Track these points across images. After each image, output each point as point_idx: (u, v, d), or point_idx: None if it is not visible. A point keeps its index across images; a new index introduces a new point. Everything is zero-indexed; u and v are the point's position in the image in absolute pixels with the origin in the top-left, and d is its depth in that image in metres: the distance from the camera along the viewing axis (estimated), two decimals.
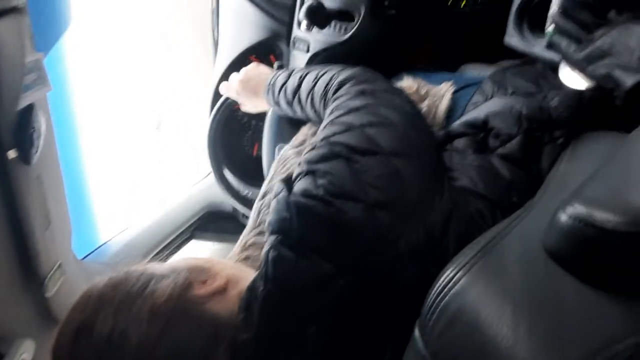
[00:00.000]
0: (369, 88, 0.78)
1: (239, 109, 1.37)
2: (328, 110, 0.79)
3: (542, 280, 0.41)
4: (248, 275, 0.68)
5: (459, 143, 0.71)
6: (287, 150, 0.92)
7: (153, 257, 1.28)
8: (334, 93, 0.83)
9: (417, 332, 0.45)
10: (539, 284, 0.41)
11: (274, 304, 0.58)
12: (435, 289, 0.45)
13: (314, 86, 0.89)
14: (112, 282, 0.61)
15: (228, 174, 1.40)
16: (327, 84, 0.86)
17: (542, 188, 0.58)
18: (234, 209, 1.59)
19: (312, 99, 0.89)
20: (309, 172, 0.64)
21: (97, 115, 1.40)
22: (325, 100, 0.86)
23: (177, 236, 1.38)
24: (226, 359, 0.57)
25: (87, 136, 1.31)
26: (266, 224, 0.66)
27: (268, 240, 0.62)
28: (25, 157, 0.71)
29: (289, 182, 0.68)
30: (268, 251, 0.61)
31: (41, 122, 0.75)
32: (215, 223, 1.53)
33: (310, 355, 0.57)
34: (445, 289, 0.44)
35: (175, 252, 1.37)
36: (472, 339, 0.40)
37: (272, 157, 1.22)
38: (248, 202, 1.40)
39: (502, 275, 0.42)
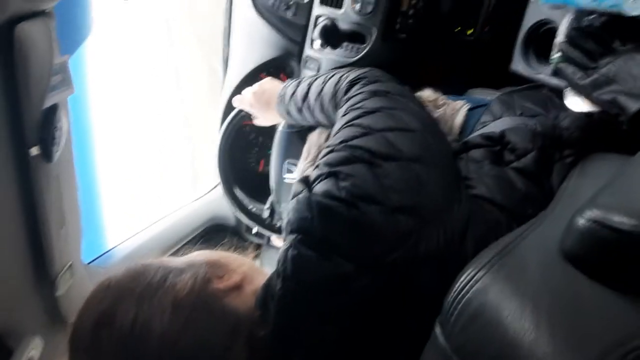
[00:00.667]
0: (382, 89, 0.79)
1: (247, 125, 1.40)
2: (341, 111, 0.79)
3: (560, 282, 0.43)
4: (262, 273, 0.69)
5: (476, 153, 0.73)
6: (303, 165, 0.93)
7: None
8: (345, 93, 0.83)
9: (438, 329, 0.47)
10: (558, 285, 0.43)
11: (291, 302, 0.59)
12: (456, 287, 0.47)
13: (322, 88, 0.89)
14: (130, 273, 0.61)
15: (236, 188, 1.42)
16: (336, 84, 0.86)
17: (554, 201, 0.60)
18: (237, 223, 1.60)
19: (321, 101, 0.89)
20: (330, 174, 0.64)
21: (111, 122, 1.42)
22: (335, 100, 0.86)
23: (182, 246, 1.38)
24: (245, 353, 0.57)
25: (100, 141, 1.33)
26: (284, 222, 0.67)
27: (287, 239, 0.63)
28: (47, 154, 0.73)
29: (307, 182, 0.68)
30: (287, 250, 0.61)
31: (64, 122, 0.77)
32: (218, 236, 1.53)
33: (326, 353, 0.58)
34: (467, 287, 0.45)
35: None
36: (493, 336, 0.41)
37: (279, 173, 1.24)
38: (253, 216, 1.41)
39: (522, 276, 0.44)
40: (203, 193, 1.52)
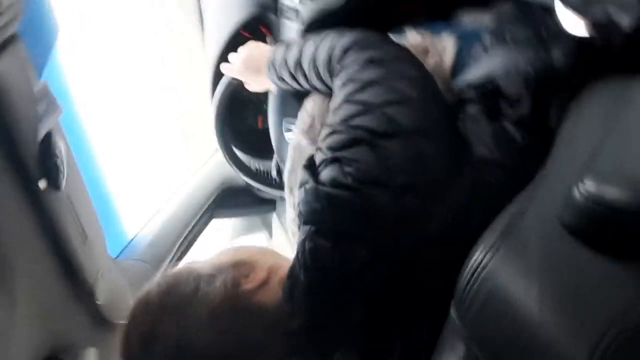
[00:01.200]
0: (376, 55, 0.76)
1: (240, 85, 1.37)
2: (338, 82, 0.78)
3: (562, 254, 0.45)
4: (284, 260, 0.73)
5: (472, 109, 0.72)
6: (300, 137, 0.93)
7: (181, 243, 1.33)
8: (339, 61, 0.81)
9: (454, 313, 0.50)
10: (560, 259, 0.45)
11: (316, 292, 0.63)
12: (465, 274, 0.49)
13: (315, 55, 0.87)
14: (163, 288, 0.65)
15: (237, 151, 1.42)
16: (330, 51, 0.83)
17: (552, 153, 0.60)
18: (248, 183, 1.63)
19: (316, 69, 0.87)
20: (334, 160, 0.65)
21: (100, 115, 1.41)
22: (330, 68, 0.84)
23: (199, 219, 1.42)
24: (284, 346, 0.62)
25: (94, 138, 1.33)
26: (297, 212, 0.69)
27: (302, 230, 0.66)
28: (55, 185, 0.74)
29: (312, 168, 0.69)
30: (304, 242, 0.64)
31: (61, 147, 0.77)
32: (232, 199, 1.57)
33: (357, 334, 0.63)
34: (475, 274, 0.48)
35: (199, 234, 1.42)
36: (505, 319, 0.45)
37: (279, 132, 1.24)
38: (259, 177, 1.43)
39: (525, 256, 0.47)
40: (204, 161, 1.53)
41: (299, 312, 0.63)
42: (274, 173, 1.37)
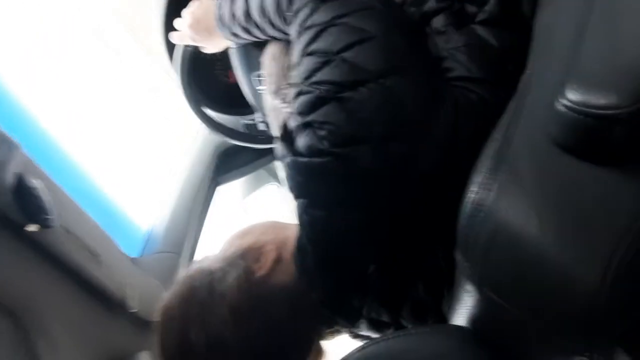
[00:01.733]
0: None
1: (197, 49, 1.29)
2: (293, 32, 0.71)
3: (557, 176, 0.42)
4: (291, 229, 0.72)
5: (438, 22, 0.65)
6: (271, 99, 0.87)
7: (195, 222, 1.34)
8: (288, 5, 0.73)
9: (460, 258, 0.49)
10: (555, 181, 0.42)
11: (327, 262, 0.62)
12: (463, 218, 0.47)
13: (262, 3, 0.78)
14: (180, 298, 0.65)
15: (220, 115, 1.37)
16: None
17: (532, 51, 0.55)
18: None
19: (268, 19, 0.79)
20: (306, 125, 0.61)
21: (71, 121, 1.36)
22: (281, 13, 0.75)
23: (205, 192, 1.41)
24: (310, 320, 0.63)
25: (75, 146, 1.30)
26: (287, 187, 0.67)
27: (296, 204, 0.64)
28: (45, 224, 0.73)
29: (288, 138, 0.66)
30: (300, 216, 0.63)
31: (36, 183, 0.75)
32: (230, 161, 1.54)
33: (379, 288, 0.63)
34: (473, 217, 0.46)
35: (208, 207, 1.42)
36: (514, 256, 0.43)
37: (252, 88, 1.19)
38: (243, 135, 1.38)
39: (520, 186, 0.43)
40: (192, 137, 1.49)
41: (315, 283, 0.63)
42: (261, 127, 1.33)
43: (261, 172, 1.67)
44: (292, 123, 0.64)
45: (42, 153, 0.95)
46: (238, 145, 1.60)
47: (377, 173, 0.57)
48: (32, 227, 0.72)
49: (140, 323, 0.93)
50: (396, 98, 0.58)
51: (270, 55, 0.87)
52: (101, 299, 0.85)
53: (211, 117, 1.34)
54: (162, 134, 1.76)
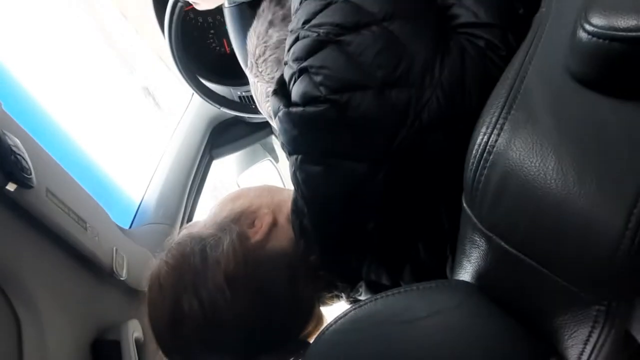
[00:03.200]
0: None
1: (190, 11, 1.23)
2: None
3: (577, 111, 0.38)
4: (287, 193, 0.68)
5: None
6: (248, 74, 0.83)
7: (188, 194, 1.30)
8: None
9: (466, 207, 0.45)
10: (575, 117, 0.38)
11: (324, 220, 0.58)
12: (470, 162, 0.43)
13: None
14: (171, 266, 0.61)
15: (213, 85, 1.33)
16: None
17: None
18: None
19: None
20: (302, 71, 0.56)
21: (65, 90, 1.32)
22: None
23: (199, 164, 1.37)
24: (310, 284, 0.60)
25: (68, 117, 1.25)
26: (281, 145, 0.63)
27: (290, 162, 0.60)
28: (24, 183, 0.69)
29: (282, 89, 0.62)
30: (294, 173, 0.58)
31: (15, 140, 0.71)
32: (225, 135, 1.50)
33: (378, 247, 0.59)
34: (482, 161, 0.41)
35: (204, 181, 1.38)
36: (525, 203, 0.39)
37: (245, 51, 1.14)
38: (237, 105, 1.34)
39: (535, 125, 0.39)
40: (184, 108, 1.44)
41: (314, 244, 0.59)
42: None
43: (257, 147, 1.63)
44: (287, 72, 0.60)
45: (34, 123, 0.91)
46: (232, 119, 1.57)
47: (378, 120, 0.52)
48: (10, 187, 0.68)
49: (130, 291, 0.90)
50: (399, 44, 0.53)
51: (253, 32, 0.84)
52: (88, 266, 0.82)
53: (205, 85, 1.29)
54: (155, 105, 1.71)
